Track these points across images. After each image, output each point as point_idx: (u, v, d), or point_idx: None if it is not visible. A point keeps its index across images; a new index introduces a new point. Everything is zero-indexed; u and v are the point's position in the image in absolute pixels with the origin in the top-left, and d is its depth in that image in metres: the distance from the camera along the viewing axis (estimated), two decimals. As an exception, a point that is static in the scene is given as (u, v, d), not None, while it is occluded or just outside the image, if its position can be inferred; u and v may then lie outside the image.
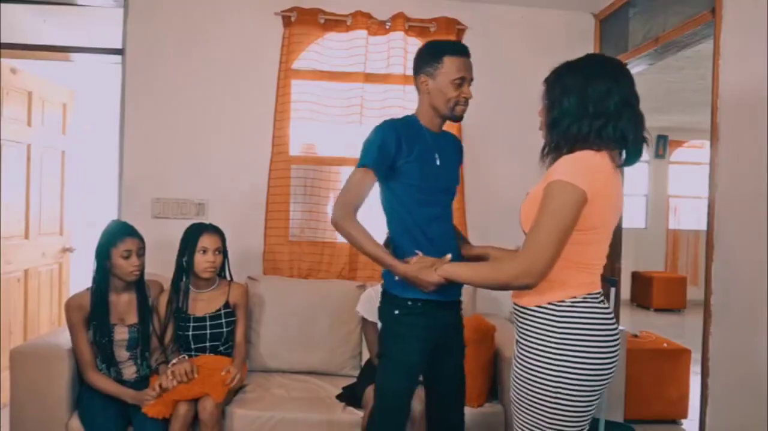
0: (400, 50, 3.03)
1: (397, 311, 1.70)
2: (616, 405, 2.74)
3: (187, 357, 2.21)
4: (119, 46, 3.01)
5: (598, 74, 1.35)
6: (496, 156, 3.16)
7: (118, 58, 3.03)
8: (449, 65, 1.70)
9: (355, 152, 3.06)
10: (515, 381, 1.40)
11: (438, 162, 1.76)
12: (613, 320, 1.39)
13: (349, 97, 3.03)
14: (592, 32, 3.21)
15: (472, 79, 1.76)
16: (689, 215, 7.91)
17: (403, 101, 3.03)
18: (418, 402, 2.05)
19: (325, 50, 3.04)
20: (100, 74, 4.03)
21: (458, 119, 1.78)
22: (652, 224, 7.76)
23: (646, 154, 7.74)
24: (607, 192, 1.32)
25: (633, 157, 1.39)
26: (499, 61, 3.18)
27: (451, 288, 1.68)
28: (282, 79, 2.99)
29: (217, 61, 3.00)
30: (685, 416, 3.25)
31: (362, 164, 1.70)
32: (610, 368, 1.35)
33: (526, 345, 1.38)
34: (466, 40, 3.13)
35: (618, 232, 3.27)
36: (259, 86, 3.00)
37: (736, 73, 2.19)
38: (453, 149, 1.88)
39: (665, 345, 3.34)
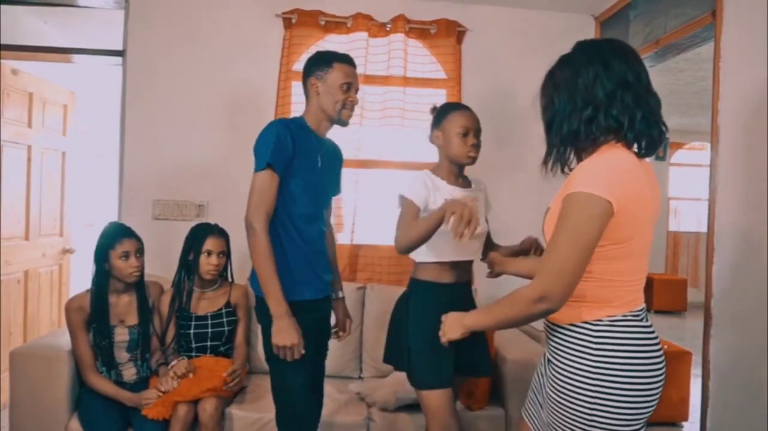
0: (401, 52, 3.04)
1: None
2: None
3: (186, 359, 2.21)
4: (120, 47, 3.01)
5: (587, 62, 1.23)
6: (497, 161, 3.16)
7: (118, 59, 3.03)
8: (338, 70, 1.82)
9: (356, 153, 3.08)
10: (550, 403, 1.28)
11: (319, 164, 1.85)
12: (657, 341, 1.25)
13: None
14: (592, 34, 3.21)
15: (357, 89, 1.88)
16: (690, 217, 7.90)
17: (402, 103, 3.04)
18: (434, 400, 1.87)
19: (326, 52, 3.04)
20: (100, 76, 4.03)
21: (344, 123, 1.88)
22: (653, 226, 7.76)
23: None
24: (642, 196, 1.19)
25: (647, 145, 1.24)
26: (499, 64, 3.19)
27: (323, 288, 1.90)
28: (282, 81, 2.99)
29: (218, 62, 3.00)
30: (685, 419, 3.25)
31: (264, 165, 1.73)
32: (653, 394, 1.22)
33: (559, 366, 1.26)
34: (467, 42, 3.14)
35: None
36: (260, 88, 3.00)
37: (736, 75, 2.19)
38: (334, 155, 1.99)
39: (666, 347, 3.33)
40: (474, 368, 2.00)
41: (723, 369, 2.22)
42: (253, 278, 1.82)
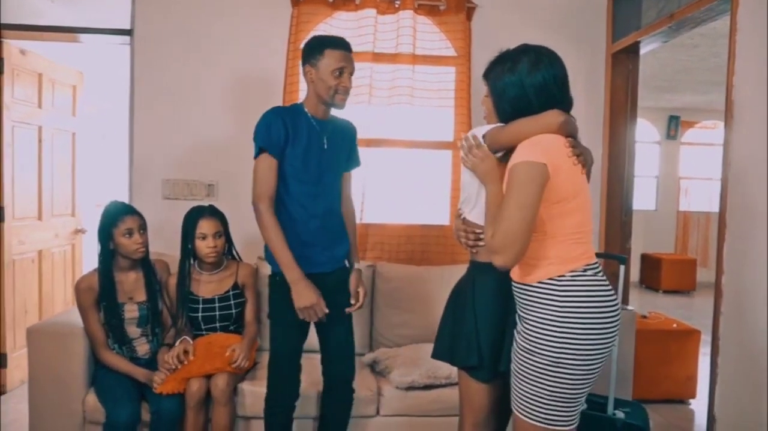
0: (410, 29, 3.00)
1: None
2: (624, 385, 2.74)
3: (190, 341, 2.20)
4: (127, 26, 3.00)
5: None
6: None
7: (126, 38, 3.02)
8: (329, 56, 1.88)
9: (364, 132, 3.06)
10: (517, 353, 1.46)
11: (326, 146, 1.96)
12: (612, 292, 1.44)
13: (358, 77, 2.96)
14: (604, 9, 3.14)
15: (352, 72, 1.93)
16: (700, 197, 7.84)
17: (411, 81, 3.01)
18: (485, 396, 1.68)
19: (334, 30, 3.00)
20: (108, 55, 4.03)
21: (339, 107, 1.96)
22: (663, 205, 7.71)
23: (657, 134, 7.66)
24: (567, 162, 1.41)
25: None
26: (509, 40, 3.11)
27: (330, 261, 1.99)
28: (290, 59, 2.96)
29: (226, 40, 2.98)
30: (693, 396, 3.27)
31: (258, 151, 1.89)
32: (608, 340, 1.41)
33: (529, 319, 1.43)
34: (477, 18, 3.09)
35: (628, 213, 3.25)
36: (268, 66, 2.99)
37: (753, 49, 2.15)
38: (343, 132, 2.06)
39: (674, 325, 3.34)
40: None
41: (732, 346, 2.23)
42: (267, 252, 1.98)
